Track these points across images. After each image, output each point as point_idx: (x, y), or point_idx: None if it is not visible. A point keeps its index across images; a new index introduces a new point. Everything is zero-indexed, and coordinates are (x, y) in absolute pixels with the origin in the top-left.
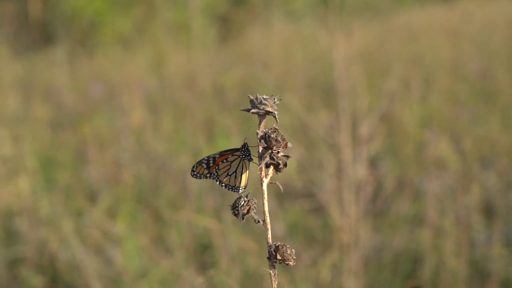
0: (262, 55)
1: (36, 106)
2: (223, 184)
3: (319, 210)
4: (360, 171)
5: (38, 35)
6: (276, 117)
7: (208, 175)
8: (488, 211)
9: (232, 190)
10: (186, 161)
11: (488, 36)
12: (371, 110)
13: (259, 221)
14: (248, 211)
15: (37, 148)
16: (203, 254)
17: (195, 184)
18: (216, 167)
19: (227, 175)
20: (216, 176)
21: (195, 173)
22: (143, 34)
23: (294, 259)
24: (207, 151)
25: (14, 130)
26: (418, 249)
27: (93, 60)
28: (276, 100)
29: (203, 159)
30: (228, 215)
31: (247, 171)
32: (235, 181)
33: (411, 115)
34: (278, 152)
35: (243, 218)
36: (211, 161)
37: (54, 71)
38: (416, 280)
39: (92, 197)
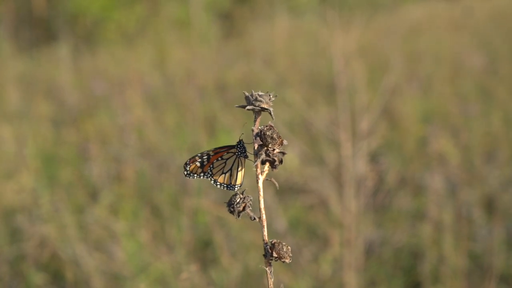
0: (264, 51)
1: (39, 103)
2: (218, 183)
3: (320, 205)
4: (360, 166)
5: (41, 32)
6: (272, 113)
7: (202, 174)
8: (489, 206)
9: (228, 189)
10: (187, 158)
11: (490, 31)
12: (372, 105)
13: (254, 218)
14: (243, 208)
15: (40, 145)
16: (204, 250)
17: (196, 180)
18: (211, 166)
19: (222, 173)
20: (211, 175)
21: (188, 172)
22: (146, 30)
23: (290, 257)
24: (208, 147)
25: (17, 127)
26: (419, 244)
27: (96, 57)
28: (271, 96)
29: (196, 155)
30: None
31: (243, 169)
32: (230, 179)
33: (413, 110)
34: (273, 149)
35: (238, 216)
36: (205, 159)
37: (57, 68)
38: (416, 275)
39: (93, 194)
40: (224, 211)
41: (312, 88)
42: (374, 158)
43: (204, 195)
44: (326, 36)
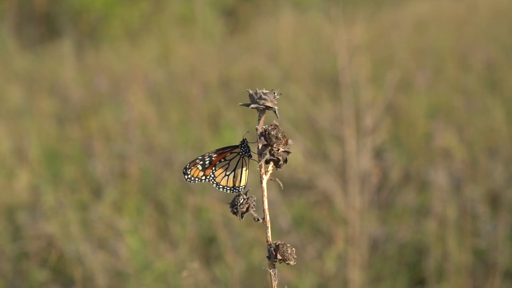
0: (269, 47)
1: (43, 99)
2: (221, 187)
3: (324, 202)
4: (364, 162)
5: (45, 28)
6: (276, 112)
7: (204, 177)
8: (494, 202)
9: (231, 192)
10: (191, 154)
11: (495, 26)
12: (376, 101)
13: (258, 219)
14: (247, 209)
15: (43, 142)
16: (207, 247)
17: None
18: (213, 168)
19: (225, 175)
20: (213, 178)
21: (189, 176)
22: (150, 27)
23: (294, 259)
24: (212, 144)
25: (20, 123)
26: (423, 240)
27: (99, 53)
28: (276, 94)
29: (197, 158)
30: None
31: (247, 170)
32: (234, 181)
33: (417, 106)
34: (278, 149)
35: (242, 217)
36: (207, 162)
37: (61, 64)
38: (421, 271)
39: (97, 191)
40: (227, 209)
41: (316, 84)
42: (378, 154)
43: (208, 192)
44: (331, 32)
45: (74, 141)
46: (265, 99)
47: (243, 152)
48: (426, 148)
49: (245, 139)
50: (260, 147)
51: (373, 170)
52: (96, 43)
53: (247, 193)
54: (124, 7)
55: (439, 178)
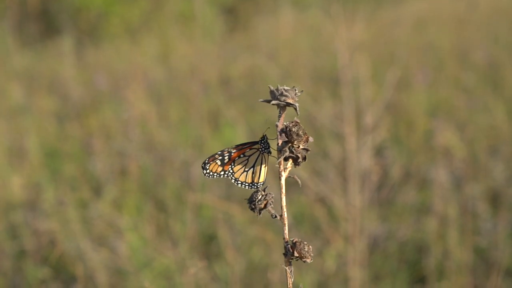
0: (269, 45)
1: (42, 97)
2: (239, 182)
3: (325, 199)
4: (365, 160)
5: (45, 26)
6: (297, 109)
7: (222, 172)
8: (494, 200)
9: (250, 188)
10: (191, 153)
11: (495, 24)
12: (376, 99)
13: (276, 216)
14: (265, 206)
15: (43, 140)
16: (208, 245)
17: (200, 175)
18: (232, 164)
19: (244, 171)
20: (232, 173)
21: (208, 171)
22: (150, 25)
23: (311, 256)
24: (212, 141)
25: (20, 121)
26: (423, 238)
27: (99, 51)
28: (297, 91)
29: (217, 153)
30: (234, 205)
31: (266, 166)
32: (253, 177)
33: (418, 104)
34: (298, 146)
35: (260, 213)
36: (226, 157)
37: (61, 62)
38: (421, 269)
39: (97, 189)
40: (227, 206)
41: (316, 82)
42: (378, 152)
43: (208, 189)
44: (331, 30)
45: (74, 139)
46: (286, 96)
47: (263, 148)
48: (427, 146)
49: (265, 135)
50: (280, 144)
51: (374, 168)
52: (96, 41)
53: (265, 190)
54: (123, 5)
55: (440, 176)
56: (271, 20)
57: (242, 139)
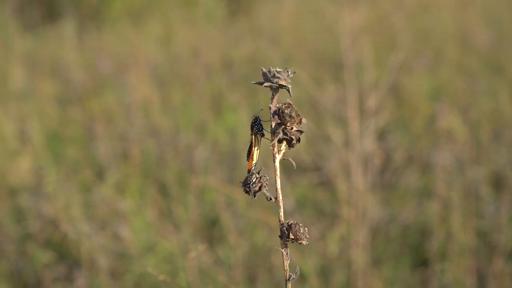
0: (271, 29)
1: (44, 81)
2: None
3: (327, 183)
4: (368, 144)
5: (46, 10)
6: (290, 91)
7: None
8: (497, 183)
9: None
10: (194, 137)
11: (498, 8)
12: (379, 83)
13: (271, 199)
14: (260, 188)
15: (45, 124)
16: (210, 228)
17: (203, 158)
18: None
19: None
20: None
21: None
22: (152, 8)
23: (307, 238)
24: (214, 126)
25: (22, 105)
26: (426, 222)
27: (101, 35)
28: (290, 73)
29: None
30: (237, 188)
31: (259, 149)
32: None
33: (421, 87)
34: (291, 128)
35: (254, 196)
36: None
37: (62, 46)
38: (424, 253)
39: (100, 173)
40: (230, 189)
41: (319, 65)
42: (381, 135)
43: (211, 173)
44: (333, 13)
45: (76, 123)
46: (278, 78)
47: (256, 130)
48: (430, 129)
49: (258, 117)
50: (273, 126)
51: (376, 151)
52: (98, 25)
53: (260, 172)
54: None
55: (443, 159)
56: (273, 3)
57: (244, 123)
